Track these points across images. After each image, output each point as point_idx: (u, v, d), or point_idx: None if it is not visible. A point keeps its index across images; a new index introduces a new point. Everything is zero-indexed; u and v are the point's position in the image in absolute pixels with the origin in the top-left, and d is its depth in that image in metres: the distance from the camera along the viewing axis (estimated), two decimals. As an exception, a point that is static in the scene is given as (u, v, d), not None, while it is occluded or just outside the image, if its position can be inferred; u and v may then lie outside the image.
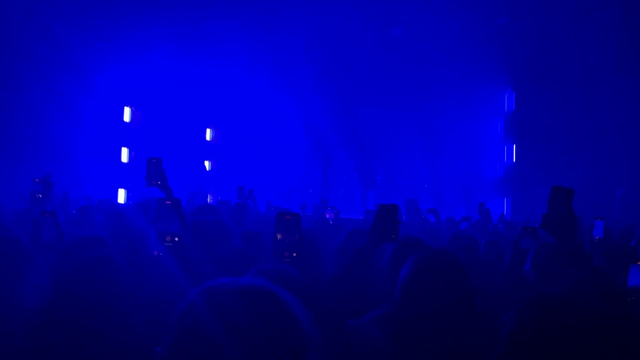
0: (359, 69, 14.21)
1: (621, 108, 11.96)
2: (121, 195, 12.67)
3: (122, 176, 12.97)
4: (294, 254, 2.39)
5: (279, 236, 2.39)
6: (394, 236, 2.70)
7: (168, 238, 2.49)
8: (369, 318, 2.33)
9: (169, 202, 2.60)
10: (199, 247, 2.91)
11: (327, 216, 5.60)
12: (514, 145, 13.75)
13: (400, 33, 14.13)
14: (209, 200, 13.40)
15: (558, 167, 12.51)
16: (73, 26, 11.00)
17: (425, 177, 14.56)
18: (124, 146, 13.35)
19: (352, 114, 14.92)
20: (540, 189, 12.57)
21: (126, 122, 13.47)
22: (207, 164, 15.13)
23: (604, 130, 12.13)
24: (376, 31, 13.78)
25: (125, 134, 13.42)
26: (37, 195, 4.36)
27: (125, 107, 13.40)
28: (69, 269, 2.03)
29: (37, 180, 4.49)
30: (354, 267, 2.64)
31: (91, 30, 11.54)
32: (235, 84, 14.39)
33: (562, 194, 2.42)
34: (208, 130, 15.40)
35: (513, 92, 13.82)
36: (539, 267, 2.95)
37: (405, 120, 14.69)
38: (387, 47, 13.98)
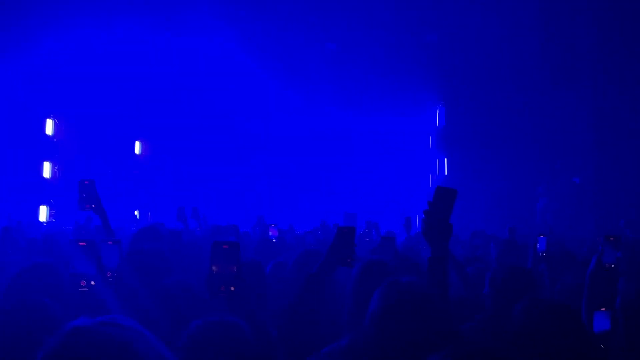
0: (293, 81, 14.18)
1: (547, 121, 12.59)
2: (43, 213, 11.90)
3: (44, 192, 12.19)
4: (232, 288, 2.20)
5: (214, 268, 2.19)
6: (349, 260, 2.59)
7: (83, 283, 2.27)
8: (330, 351, 2.19)
9: (83, 244, 2.38)
10: (136, 281, 2.68)
11: (271, 234, 5.37)
12: (445, 159, 14.13)
13: (335, 47, 14.25)
14: (137, 215, 12.87)
15: (486, 179, 12.99)
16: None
17: (361, 190, 14.70)
18: (46, 160, 12.55)
19: (284, 125, 14.87)
20: (470, 201, 13.03)
21: (48, 135, 12.67)
22: None
23: (532, 142, 12.73)
24: (311, 44, 13.83)
25: (48, 148, 12.63)
26: None
27: (48, 120, 12.62)
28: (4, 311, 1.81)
29: None
30: (308, 294, 2.51)
31: (8, 38, 10.79)
32: (166, 93, 13.93)
33: (445, 195, 2.24)
34: (137, 143, 14.79)
35: (444, 108, 14.23)
36: (495, 289, 2.91)
37: (339, 134, 14.80)
38: (322, 60, 14.06)
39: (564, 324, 1.97)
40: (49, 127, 12.68)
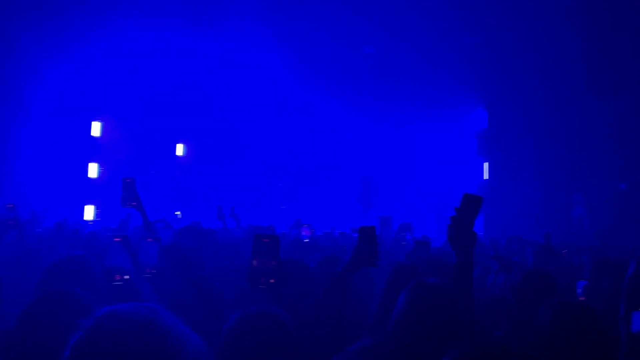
0: (332, 85, 14.24)
1: (589, 126, 12.24)
2: (89, 212, 12.33)
3: (90, 192, 12.63)
4: (272, 281, 2.26)
5: (255, 262, 2.25)
6: (373, 259, 2.60)
7: (117, 277, 2.36)
8: (354, 350, 2.21)
9: (118, 239, 2.48)
10: (172, 274, 2.79)
11: (304, 233, 5.37)
12: (486, 163, 13.91)
13: (373, 51, 14.23)
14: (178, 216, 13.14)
15: (527, 184, 12.71)
16: (38, 36, 10.72)
17: (400, 194, 14.60)
18: (92, 161, 13.02)
19: (322, 129, 14.94)
20: (511, 205, 12.78)
21: (94, 137, 13.15)
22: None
23: (573, 147, 12.39)
24: (349, 49, 13.86)
25: (94, 149, 13.10)
26: (9, 222, 4.20)
27: (94, 122, 13.10)
28: (37, 298, 1.91)
29: (9, 205, 4.28)
30: (332, 293, 2.53)
31: (57, 42, 11.26)
32: (208, 97, 14.27)
33: (471, 202, 2.22)
34: (179, 146, 15.17)
35: (485, 111, 14.01)
36: (516, 290, 2.88)
37: (378, 137, 14.75)
38: (359, 64, 14.06)
39: (585, 324, 1.95)
40: (96, 129, 13.15)
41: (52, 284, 2.32)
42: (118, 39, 12.14)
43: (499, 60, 12.89)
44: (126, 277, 2.36)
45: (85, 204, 12.41)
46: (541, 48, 12.24)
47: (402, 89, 13.74)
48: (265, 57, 13.74)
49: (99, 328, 0.99)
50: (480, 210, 2.26)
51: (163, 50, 12.86)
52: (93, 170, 13.02)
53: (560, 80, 12.39)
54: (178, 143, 15.11)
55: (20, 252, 3.56)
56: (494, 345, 1.38)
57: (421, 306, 1.90)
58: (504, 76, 12.97)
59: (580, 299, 3.82)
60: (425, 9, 12.15)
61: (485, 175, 13.93)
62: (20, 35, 10.25)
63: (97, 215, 12.40)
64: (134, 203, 3.43)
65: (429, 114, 14.05)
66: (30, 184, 10.91)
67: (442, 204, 13.67)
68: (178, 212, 13.55)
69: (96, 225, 9.36)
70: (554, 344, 1.95)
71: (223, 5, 12.43)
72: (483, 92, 13.66)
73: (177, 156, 15.12)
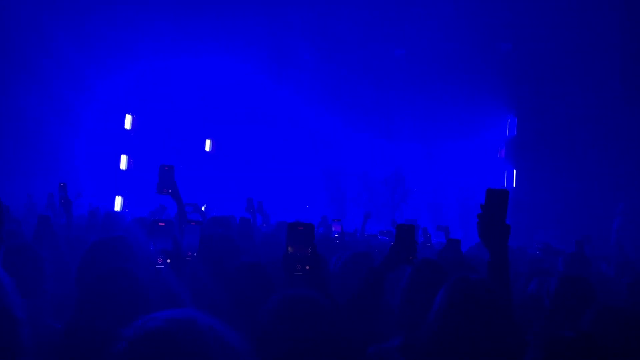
0: (362, 87, 14.21)
1: (622, 135, 11.98)
2: (118, 203, 12.54)
3: (120, 183, 12.86)
4: (307, 267, 2.28)
5: (290, 249, 2.27)
6: (411, 257, 2.58)
7: (160, 260, 2.40)
8: (392, 347, 2.19)
9: (162, 224, 2.52)
10: (206, 262, 2.82)
11: (334, 229, 5.27)
12: (514, 170, 13.73)
13: (404, 53, 14.17)
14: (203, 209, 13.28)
15: (558, 193, 12.48)
16: (73, 34, 11.04)
17: (426, 199, 14.50)
18: (124, 153, 13.27)
19: (353, 132, 14.91)
20: (540, 214, 12.57)
21: (126, 130, 13.41)
22: None
23: (605, 157, 12.13)
24: (380, 50, 13.83)
25: (125, 141, 13.36)
26: (61, 200, 4.30)
27: (127, 115, 13.36)
28: (89, 281, 1.95)
29: (62, 184, 4.38)
30: (368, 289, 2.52)
31: (92, 39, 11.59)
32: (237, 95, 14.40)
33: (496, 197, 2.19)
34: (208, 141, 15.36)
35: (515, 118, 13.83)
36: (554, 296, 2.86)
37: (407, 141, 14.67)
38: (390, 66, 14.01)
39: (630, 328, 1.92)
40: (128, 122, 13.40)
41: (94, 264, 2.37)
42: (153, 45, 12.45)
43: (531, 67, 12.70)
44: (169, 260, 2.40)
45: (116, 195, 12.64)
46: (575, 54, 12.04)
47: (430, 92, 13.66)
48: (297, 59, 13.79)
49: (141, 337, 0.96)
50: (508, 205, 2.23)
51: (194, 57, 13.20)
52: (124, 162, 13.27)
53: (595, 86, 12.14)
54: (207, 139, 15.30)
55: (64, 234, 3.66)
56: (582, 335, 1.35)
57: (462, 302, 1.86)
58: (536, 82, 12.78)
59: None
60: (460, 14, 12.07)
61: (513, 183, 13.74)
62: (54, 30, 10.60)
63: (124, 206, 12.61)
64: (170, 190, 3.41)
65: (456, 119, 13.91)
66: (75, 174, 11.21)
67: (467, 209, 13.53)
68: (204, 206, 13.68)
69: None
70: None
71: (254, 11, 12.57)
72: (513, 99, 13.48)
73: (205, 151, 15.31)
